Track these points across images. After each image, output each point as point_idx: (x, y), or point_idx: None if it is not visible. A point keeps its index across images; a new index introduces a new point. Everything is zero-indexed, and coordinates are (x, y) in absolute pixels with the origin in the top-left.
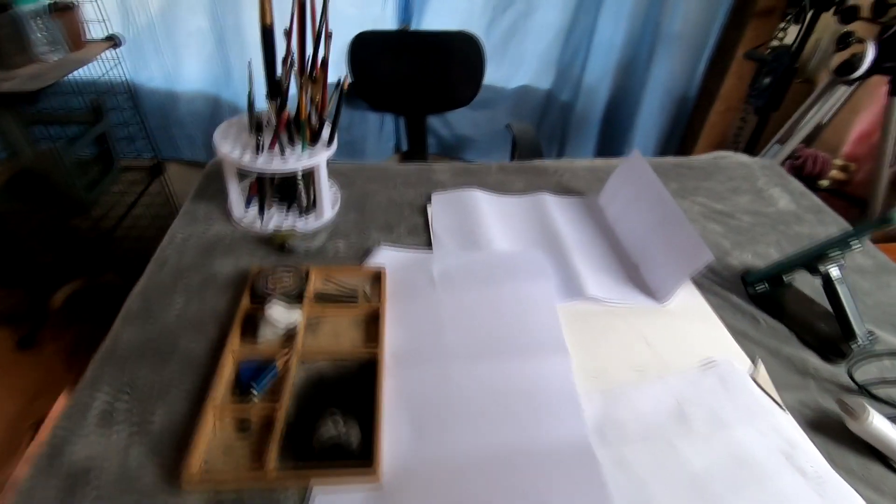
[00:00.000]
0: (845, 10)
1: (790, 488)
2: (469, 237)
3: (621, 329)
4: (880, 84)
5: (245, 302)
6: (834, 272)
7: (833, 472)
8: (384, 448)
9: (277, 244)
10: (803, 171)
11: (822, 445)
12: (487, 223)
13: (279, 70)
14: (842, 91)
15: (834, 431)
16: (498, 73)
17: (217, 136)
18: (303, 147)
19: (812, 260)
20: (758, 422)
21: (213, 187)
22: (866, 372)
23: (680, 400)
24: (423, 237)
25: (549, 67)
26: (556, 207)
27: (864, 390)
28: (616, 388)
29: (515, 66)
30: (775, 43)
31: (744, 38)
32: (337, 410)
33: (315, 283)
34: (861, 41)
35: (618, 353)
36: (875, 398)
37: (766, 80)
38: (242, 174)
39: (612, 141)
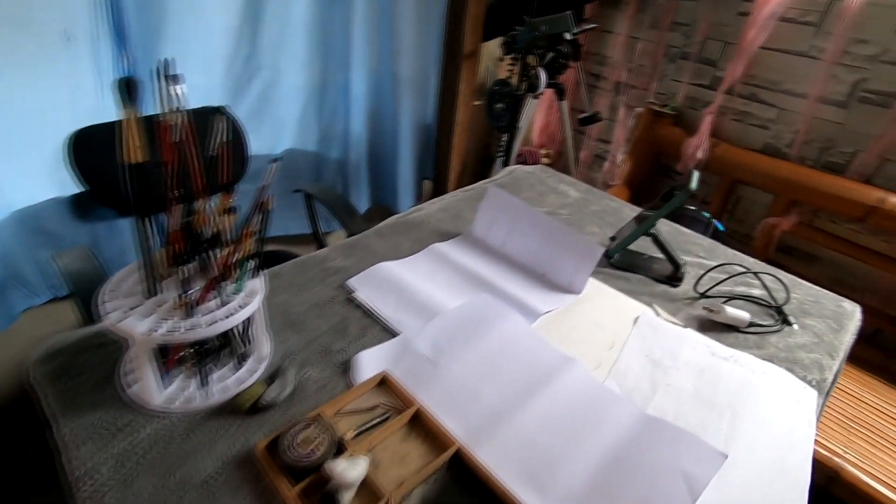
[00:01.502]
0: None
1: (728, 373)
2: (415, 306)
3: (576, 323)
4: (549, 94)
5: (288, 490)
6: (660, 233)
7: (732, 349)
8: None
9: (247, 407)
10: (526, 164)
11: (716, 338)
12: (417, 287)
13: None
14: (532, 103)
15: (708, 325)
16: (260, 142)
17: (109, 310)
18: (239, 286)
19: (648, 229)
20: (686, 343)
21: (79, 394)
22: (692, 284)
23: (645, 352)
24: (376, 326)
25: (310, 128)
26: (452, 251)
27: (705, 295)
28: (610, 363)
29: (277, 131)
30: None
31: (462, 77)
32: None
33: (340, 423)
34: (535, 68)
35: (586, 341)
36: (711, 297)
37: (500, 106)
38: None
39: (381, 181)
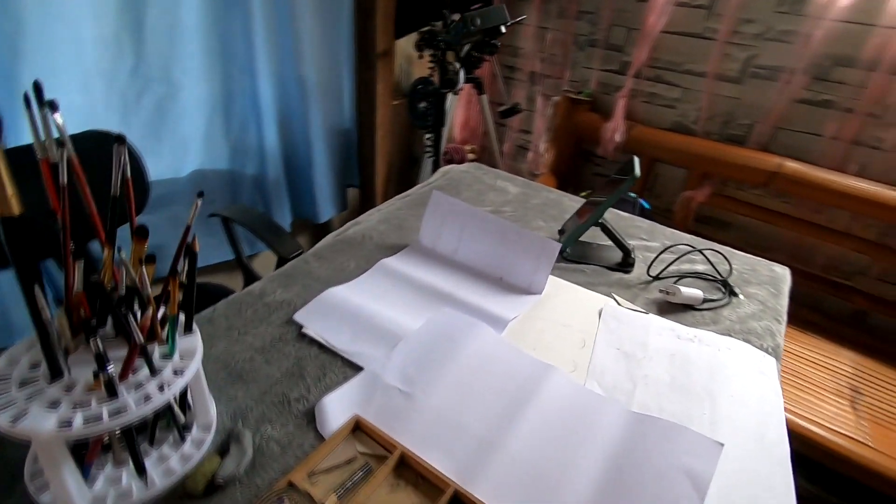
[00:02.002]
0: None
1: (697, 355)
2: (374, 333)
3: (543, 326)
4: (467, 89)
5: None
6: (608, 221)
7: (694, 329)
8: None
9: (202, 489)
10: (453, 161)
11: (676, 320)
12: (373, 310)
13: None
14: (451, 99)
15: (666, 308)
16: (161, 165)
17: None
18: (171, 348)
19: (598, 219)
20: (651, 330)
21: None
22: (643, 269)
23: (616, 346)
24: (336, 361)
25: (219, 143)
26: (402, 265)
27: (658, 278)
28: (586, 363)
29: (179, 151)
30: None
31: (378, 77)
32: None
33: (316, 487)
34: (452, 64)
35: (558, 343)
36: (663, 278)
37: (423, 105)
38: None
39: (300, 193)
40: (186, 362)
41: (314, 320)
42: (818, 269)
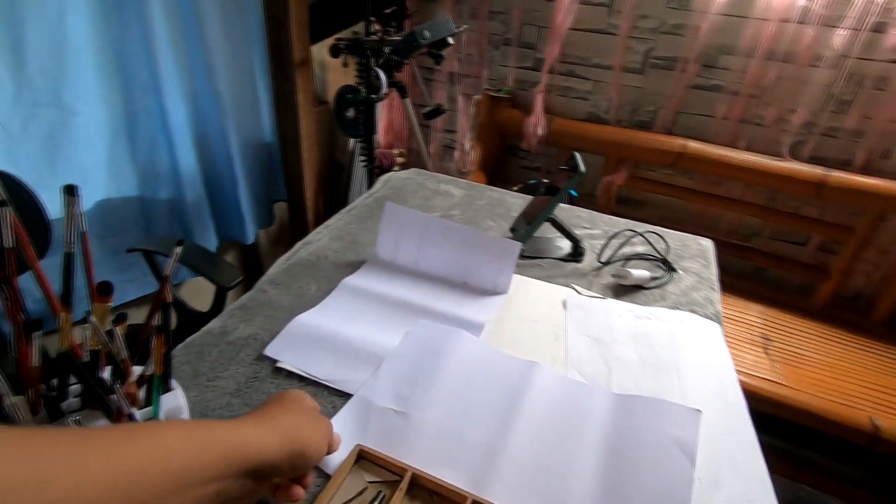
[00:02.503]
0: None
1: (656, 332)
2: (354, 355)
3: (515, 325)
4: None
5: None
6: (556, 216)
7: (647, 307)
8: None
9: None
10: (383, 166)
11: (630, 301)
12: (347, 332)
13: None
14: (379, 105)
15: (620, 290)
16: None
17: None
18: (154, 410)
19: (549, 214)
20: (613, 313)
21: None
22: (593, 257)
23: (586, 333)
24: (322, 392)
25: (125, 170)
26: (366, 282)
27: (608, 263)
28: (564, 355)
29: (80, 182)
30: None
31: (299, 87)
32: None
33: None
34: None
35: (533, 339)
36: (612, 263)
37: (350, 113)
38: None
39: (225, 213)
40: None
41: (288, 352)
42: (722, 234)
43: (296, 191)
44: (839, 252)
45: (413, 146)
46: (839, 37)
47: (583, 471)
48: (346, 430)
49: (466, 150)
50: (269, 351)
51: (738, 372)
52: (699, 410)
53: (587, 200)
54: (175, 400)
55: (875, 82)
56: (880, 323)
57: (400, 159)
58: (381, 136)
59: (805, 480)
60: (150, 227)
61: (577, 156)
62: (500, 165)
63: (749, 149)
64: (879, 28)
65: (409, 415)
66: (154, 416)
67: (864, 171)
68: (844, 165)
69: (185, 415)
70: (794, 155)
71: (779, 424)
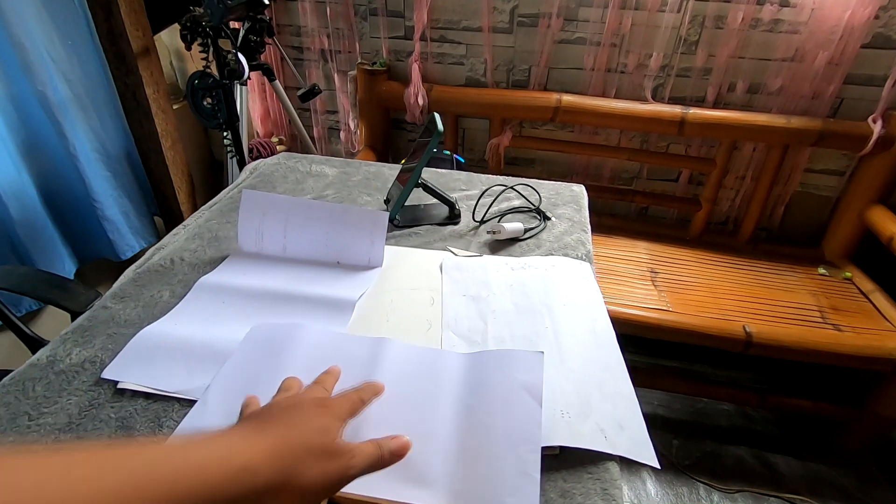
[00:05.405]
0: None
1: (531, 279)
2: (211, 360)
3: (392, 296)
4: (257, 79)
5: None
6: (427, 181)
7: (522, 258)
8: None
9: None
10: (262, 157)
11: (507, 254)
12: (204, 337)
13: None
14: (242, 91)
15: (496, 246)
16: None
17: None
18: None
19: (417, 181)
20: (489, 269)
21: None
22: (469, 216)
23: (462, 293)
24: (172, 405)
25: None
26: (227, 277)
27: (483, 221)
28: (439, 317)
29: None
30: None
31: (146, 80)
32: None
33: None
34: (231, 52)
35: (409, 307)
36: (487, 220)
37: (208, 101)
38: None
39: (85, 230)
40: None
41: (131, 371)
42: (606, 181)
43: (165, 195)
44: (706, 183)
45: (294, 132)
46: None
47: (442, 433)
48: None
49: (352, 130)
50: (109, 373)
51: (631, 306)
52: (541, 352)
53: (478, 165)
54: None
55: (714, 21)
56: (745, 241)
57: (281, 147)
58: (258, 124)
59: (700, 393)
60: None
61: (436, 116)
62: (388, 141)
63: (618, 96)
64: None
65: None
66: None
67: (716, 105)
68: (699, 102)
69: None
70: (657, 97)
71: (670, 347)
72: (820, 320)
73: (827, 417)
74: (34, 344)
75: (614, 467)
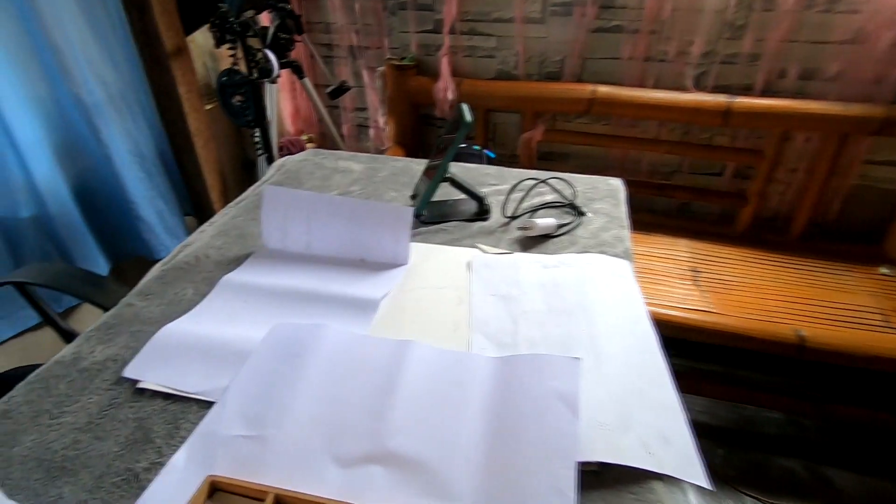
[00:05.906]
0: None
1: (564, 278)
2: (230, 360)
3: (418, 295)
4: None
5: None
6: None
7: (556, 255)
8: None
9: None
10: (292, 154)
11: (540, 252)
12: (223, 336)
13: None
14: (272, 89)
15: (528, 243)
16: None
17: None
18: None
19: (444, 175)
20: (520, 267)
21: None
22: (499, 212)
23: (491, 292)
24: (190, 407)
25: None
26: (251, 276)
27: (514, 217)
28: (467, 318)
29: None
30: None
31: (178, 80)
32: None
33: None
34: (260, 51)
35: (435, 306)
36: (519, 216)
37: (238, 99)
38: None
39: (119, 229)
40: None
41: (151, 369)
42: (644, 175)
43: (200, 197)
44: (753, 177)
45: (324, 130)
46: None
47: (469, 443)
48: (198, 459)
49: (381, 127)
50: (129, 371)
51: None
52: (577, 358)
53: (509, 161)
54: None
55: (764, 3)
56: (797, 238)
57: (310, 145)
58: (288, 122)
59: (745, 400)
60: (16, 252)
61: (464, 106)
62: (418, 137)
63: (657, 86)
64: None
65: (263, 437)
66: None
67: (765, 93)
68: (746, 91)
69: None
70: (699, 86)
71: (713, 351)
72: (881, 324)
73: (887, 428)
74: (70, 339)
75: (660, 487)
